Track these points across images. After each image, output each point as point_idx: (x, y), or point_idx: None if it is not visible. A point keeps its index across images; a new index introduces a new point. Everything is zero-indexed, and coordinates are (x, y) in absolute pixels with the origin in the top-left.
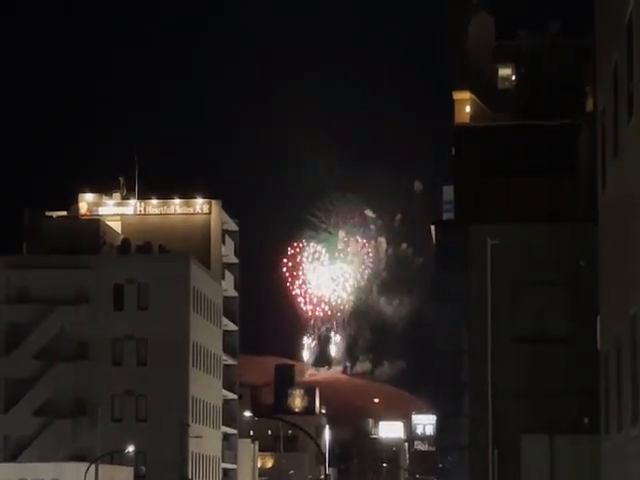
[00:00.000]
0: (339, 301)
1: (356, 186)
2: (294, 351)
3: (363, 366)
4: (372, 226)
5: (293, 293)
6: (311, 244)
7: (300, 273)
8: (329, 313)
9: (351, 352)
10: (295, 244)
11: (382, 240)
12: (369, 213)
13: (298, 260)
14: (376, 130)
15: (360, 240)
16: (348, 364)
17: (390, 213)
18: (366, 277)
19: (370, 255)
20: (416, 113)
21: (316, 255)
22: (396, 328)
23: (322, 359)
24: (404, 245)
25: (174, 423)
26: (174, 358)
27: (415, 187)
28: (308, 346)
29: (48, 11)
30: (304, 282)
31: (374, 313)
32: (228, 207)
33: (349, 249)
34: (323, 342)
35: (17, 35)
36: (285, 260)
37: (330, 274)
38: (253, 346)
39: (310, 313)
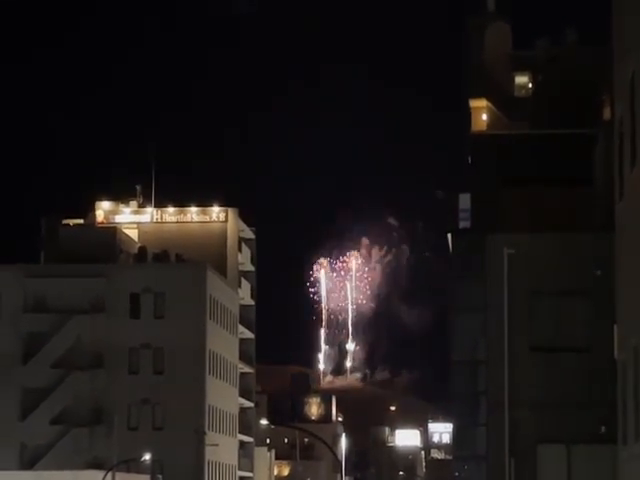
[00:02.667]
0: (359, 309)
1: (378, 193)
2: (312, 359)
3: (382, 374)
4: (395, 234)
5: (312, 301)
6: (332, 251)
7: (320, 281)
8: (349, 321)
9: (370, 360)
10: (314, 251)
11: (405, 248)
12: (392, 221)
13: (318, 268)
14: (393, 137)
15: (383, 248)
16: (367, 372)
17: (413, 221)
18: (388, 285)
19: (392, 263)
20: (433, 121)
21: (337, 262)
22: (416, 337)
23: (340, 367)
24: (426, 253)
25: (190, 431)
26: (190, 366)
27: (437, 195)
28: (326, 354)
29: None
30: (324, 290)
31: (394, 322)
32: (245, 215)
33: (371, 257)
34: (341, 350)
35: (32, 43)
36: (304, 268)
37: (351, 281)
38: (270, 354)
39: (329, 321)
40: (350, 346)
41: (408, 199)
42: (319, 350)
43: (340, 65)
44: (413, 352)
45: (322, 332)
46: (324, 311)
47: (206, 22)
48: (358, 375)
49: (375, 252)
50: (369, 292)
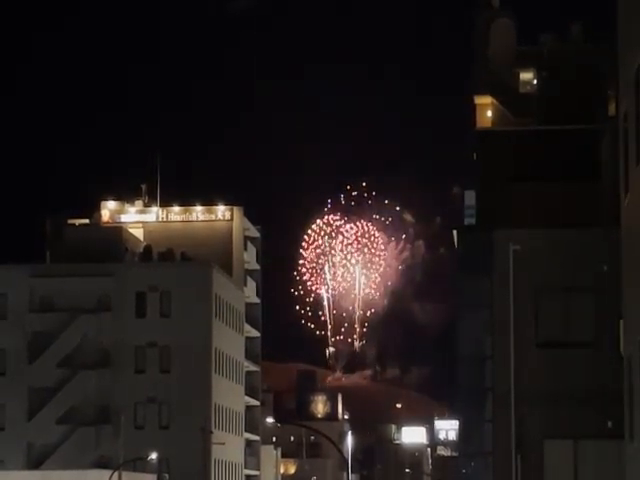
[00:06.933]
0: (371, 306)
1: (393, 189)
2: (320, 357)
3: (392, 372)
4: (411, 230)
5: (322, 298)
6: (345, 248)
7: (331, 277)
8: (360, 318)
9: (381, 358)
10: (322, 248)
11: (420, 244)
12: (408, 217)
13: (329, 264)
14: (397, 133)
15: (398, 244)
16: (378, 369)
17: (431, 217)
18: (401, 282)
19: (407, 259)
20: (439, 118)
21: (348, 258)
22: (428, 334)
23: (349, 365)
24: (442, 250)
25: (197, 430)
26: (196, 365)
27: (454, 191)
28: (335, 351)
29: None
30: (334, 286)
31: (407, 318)
32: (250, 213)
33: (386, 252)
34: (351, 347)
35: (32, 44)
36: (314, 264)
37: (365, 278)
38: (278, 352)
39: (339, 318)
40: (362, 343)
41: (423, 195)
42: (328, 348)
43: (341, 65)
44: (424, 349)
45: (329, 329)
46: (334, 309)
47: (207, 23)
48: (369, 372)
49: (390, 248)
50: (382, 288)
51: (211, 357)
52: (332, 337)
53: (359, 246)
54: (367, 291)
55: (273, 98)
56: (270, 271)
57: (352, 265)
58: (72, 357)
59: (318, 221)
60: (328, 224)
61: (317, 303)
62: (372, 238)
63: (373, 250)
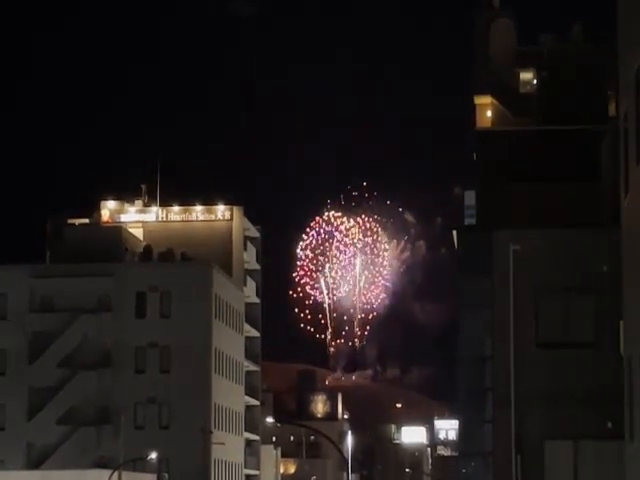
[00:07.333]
0: (373, 306)
1: (393, 190)
2: (320, 357)
3: (392, 372)
4: (412, 230)
5: (322, 298)
6: (346, 249)
7: (331, 278)
8: (360, 318)
9: (381, 358)
10: (322, 248)
11: (422, 244)
12: (409, 217)
13: (329, 264)
14: (397, 133)
15: (399, 244)
16: (378, 369)
17: (432, 217)
18: (402, 282)
19: (408, 260)
20: (438, 118)
21: (351, 261)
22: (428, 334)
23: (349, 365)
24: (443, 250)
25: (197, 430)
26: (196, 365)
27: (455, 191)
28: (335, 351)
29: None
30: (335, 287)
31: (407, 318)
32: (250, 213)
33: (386, 253)
34: (351, 348)
35: (32, 47)
36: (314, 265)
37: (364, 278)
38: (278, 352)
39: (340, 319)
40: (362, 343)
41: (424, 196)
42: (329, 348)
43: (341, 65)
44: (424, 349)
45: (329, 330)
46: (335, 310)
47: (207, 23)
48: (369, 372)
49: (391, 248)
50: (383, 289)
51: (211, 357)
52: (332, 338)
53: (360, 246)
54: (367, 291)
55: (273, 98)
56: (270, 271)
57: (353, 266)
58: (72, 357)
59: (317, 218)
60: (328, 222)
61: (317, 304)
62: (374, 237)
63: (376, 251)
